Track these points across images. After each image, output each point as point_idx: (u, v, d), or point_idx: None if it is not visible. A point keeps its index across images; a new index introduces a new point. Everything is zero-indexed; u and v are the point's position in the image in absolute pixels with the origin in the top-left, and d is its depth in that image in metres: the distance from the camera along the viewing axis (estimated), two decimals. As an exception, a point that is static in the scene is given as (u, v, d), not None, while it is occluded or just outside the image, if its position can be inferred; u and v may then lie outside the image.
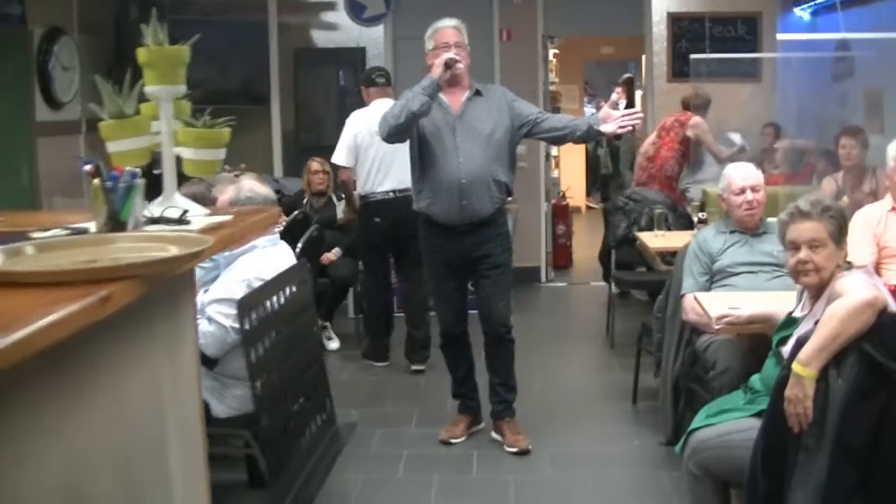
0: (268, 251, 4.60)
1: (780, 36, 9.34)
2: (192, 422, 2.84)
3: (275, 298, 3.45)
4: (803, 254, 3.81)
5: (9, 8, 7.74)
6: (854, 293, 3.47)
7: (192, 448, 2.82)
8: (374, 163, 7.23)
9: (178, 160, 3.03)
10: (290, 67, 10.46)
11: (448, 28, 5.60)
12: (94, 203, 2.49)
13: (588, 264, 11.10)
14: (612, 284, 8.18)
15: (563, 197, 12.04)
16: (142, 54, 2.97)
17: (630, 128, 5.58)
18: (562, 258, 11.27)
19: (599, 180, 16.90)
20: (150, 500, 2.42)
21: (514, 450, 5.65)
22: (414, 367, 7.37)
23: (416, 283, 7.33)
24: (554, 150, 12.61)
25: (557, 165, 13.89)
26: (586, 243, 12.09)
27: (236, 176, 5.53)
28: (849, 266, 3.90)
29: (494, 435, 5.82)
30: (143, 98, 3.05)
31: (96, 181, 2.48)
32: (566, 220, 11.42)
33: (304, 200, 8.08)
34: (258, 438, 4.62)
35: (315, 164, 8.25)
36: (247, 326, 3.32)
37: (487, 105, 5.62)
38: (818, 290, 3.83)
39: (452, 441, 5.77)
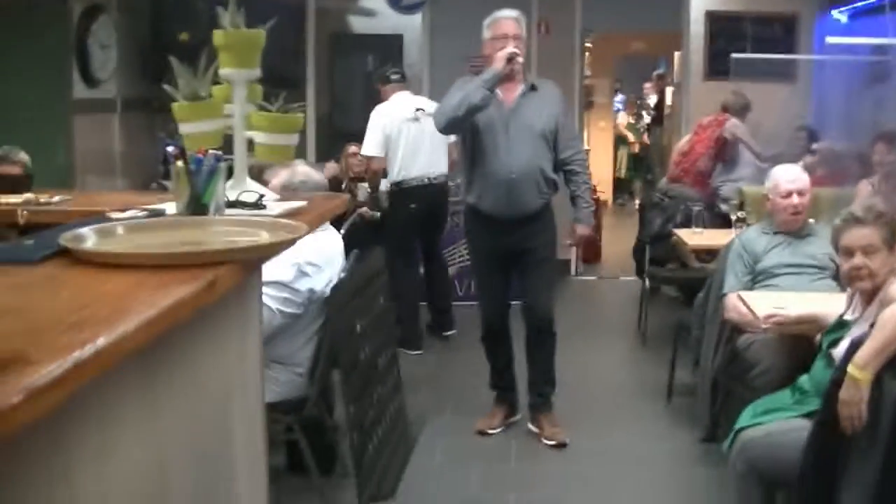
0: (318, 236, 4.60)
1: (829, 39, 9.30)
2: (256, 409, 2.84)
3: (363, 285, 3.46)
4: (858, 259, 3.83)
5: (49, -16, 7.76)
6: (910, 298, 3.48)
7: (254, 435, 2.82)
8: (405, 151, 7.49)
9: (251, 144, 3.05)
10: (327, 52, 10.46)
11: (508, 19, 5.55)
12: (176, 185, 2.51)
13: (616, 259, 11.12)
14: (646, 280, 8.17)
15: (594, 191, 12.02)
16: (218, 37, 2.98)
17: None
18: (591, 252, 11.26)
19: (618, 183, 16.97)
20: (218, 484, 2.43)
21: (552, 443, 5.65)
22: (445, 334, 7.68)
23: (439, 264, 7.83)
24: (586, 145, 12.59)
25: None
26: (614, 239, 12.09)
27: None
28: (901, 272, 3.92)
29: (531, 427, 5.83)
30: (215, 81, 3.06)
31: (180, 163, 2.49)
32: (596, 214, 11.38)
33: (343, 186, 8.09)
34: (303, 425, 4.67)
35: (353, 147, 8.30)
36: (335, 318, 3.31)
37: (541, 101, 5.61)
38: (871, 295, 3.84)
39: (490, 431, 5.78)
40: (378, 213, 7.86)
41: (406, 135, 7.50)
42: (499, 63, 5.34)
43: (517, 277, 5.83)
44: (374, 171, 7.72)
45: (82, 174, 8.18)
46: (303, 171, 4.83)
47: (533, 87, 5.62)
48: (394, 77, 7.86)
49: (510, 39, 5.45)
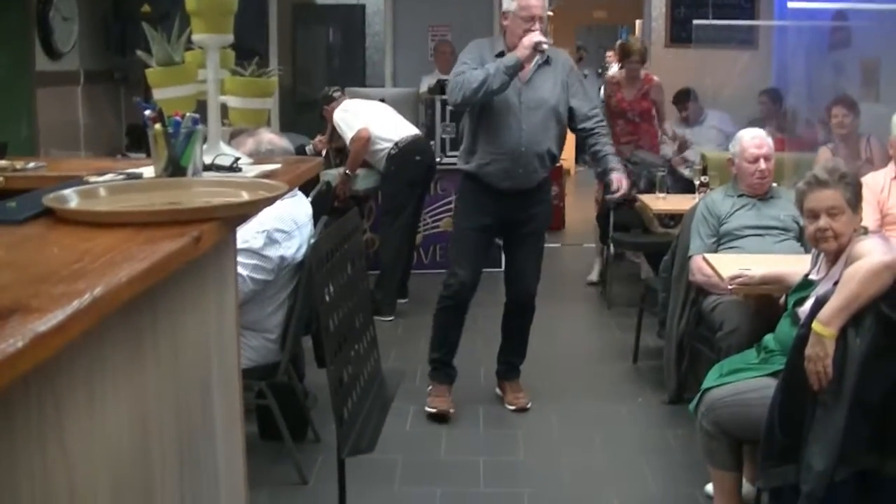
0: (286, 202, 4.62)
1: (790, 4, 9.36)
2: (232, 369, 2.87)
3: (336, 247, 3.47)
4: (822, 221, 3.89)
5: (10, -42, 7.72)
6: (873, 256, 3.54)
7: (231, 395, 2.85)
8: (386, 119, 7.78)
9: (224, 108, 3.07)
10: (289, 23, 10.45)
11: None
12: (154, 148, 2.53)
13: (579, 226, 11.20)
14: (611, 246, 8.23)
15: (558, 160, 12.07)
16: (190, 2, 2.97)
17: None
18: (555, 220, 11.30)
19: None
20: (197, 446, 2.46)
21: (512, 407, 5.74)
22: (401, 301, 7.91)
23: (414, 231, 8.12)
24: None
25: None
26: (577, 206, 12.16)
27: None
28: (864, 231, 4.00)
29: (497, 391, 5.92)
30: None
31: (158, 126, 2.51)
32: (559, 181, 11.46)
33: (324, 153, 8.14)
34: (275, 391, 4.71)
35: (319, 142, 8.36)
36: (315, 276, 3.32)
37: (553, 75, 5.50)
38: (836, 255, 3.91)
39: (451, 411, 5.63)
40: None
41: (379, 108, 7.87)
42: (524, 51, 5.19)
43: (507, 248, 5.84)
44: (365, 139, 7.64)
45: (46, 147, 8.14)
46: (268, 138, 4.84)
47: (547, 61, 5.48)
48: (335, 94, 8.11)
49: (535, 21, 5.26)
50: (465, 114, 5.66)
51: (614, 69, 16.71)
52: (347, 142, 7.72)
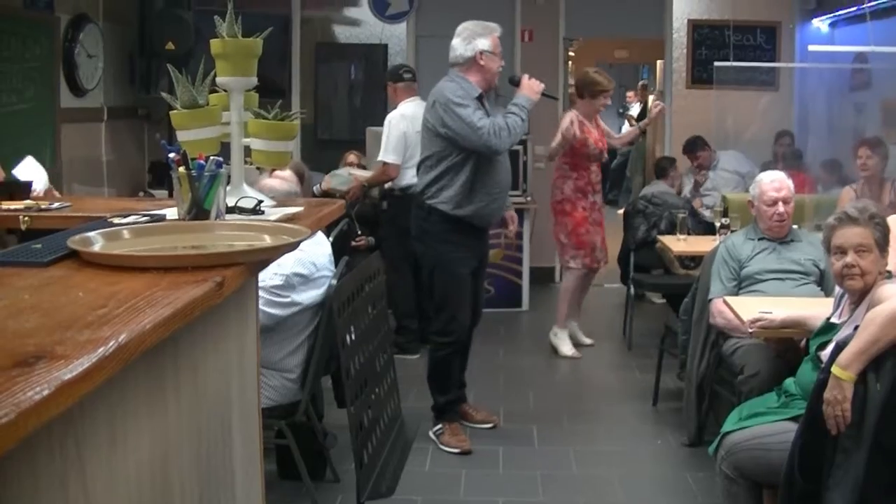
0: (304, 244, 4.62)
1: (811, 47, 9.38)
2: (253, 409, 2.88)
3: (357, 290, 3.49)
4: (850, 258, 3.89)
5: (38, -6, 7.79)
6: (895, 300, 3.54)
7: (251, 435, 2.86)
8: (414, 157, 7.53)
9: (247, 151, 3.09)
10: (311, 61, 10.52)
11: (499, 36, 5.75)
12: (178, 190, 2.55)
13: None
14: (631, 287, 8.22)
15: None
16: (216, 45, 3.02)
17: None
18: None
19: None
20: (217, 486, 2.46)
21: (488, 425, 6.01)
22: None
23: None
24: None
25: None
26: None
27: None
28: (889, 275, 3.98)
29: (465, 423, 6.02)
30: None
31: (182, 169, 2.53)
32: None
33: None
34: (294, 430, 4.72)
35: (352, 157, 8.35)
36: (336, 320, 3.33)
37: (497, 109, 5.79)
38: (860, 296, 3.90)
39: (471, 449, 5.68)
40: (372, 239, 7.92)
41: (416, 143, 7.38)
42: (537, 96, 5.66)
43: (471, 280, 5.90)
44: (390, 178, 7.57)
45: (69, 183, 8.19)
46: (268, 185, 4.82)
47: (496, 96, 5.97)
48: (406, 76, 7.76)
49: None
50: (450, 163, 5.64)
51: (636, 109, 16.82)
52: (381, 148, 7.51)
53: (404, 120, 7.48)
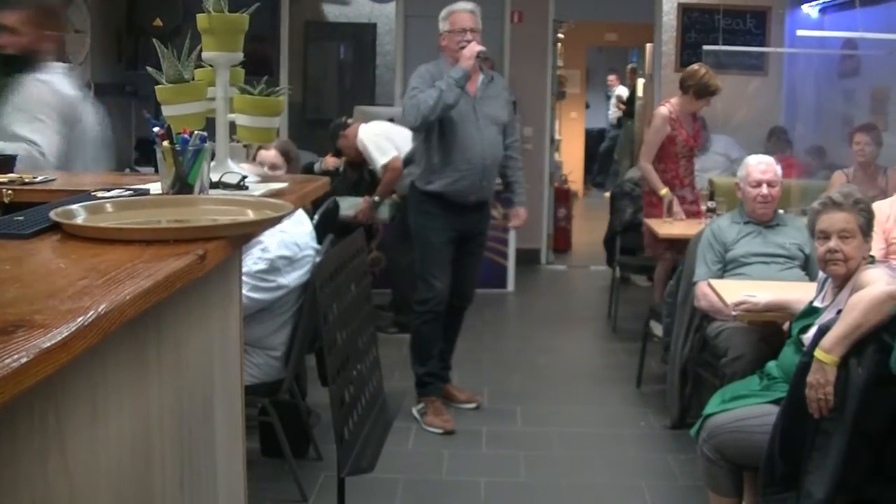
0: (285, 224, 4.61)
1: (800, 32, 9.38)
2: (236, 386, 2.87)
3: (340, 267, 3.48)
4: (833, 243, 3.91)
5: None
6: (878, 285, 3.55)
7: (234, 412, 2.86)
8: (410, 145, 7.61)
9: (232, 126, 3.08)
10: (301, 40, 10.49)
11: (465, 12, 5.67)
12: (162, 165, 2.54)
13: (587, 248, 11.21)
14: (617, 269, 8.24)
15: (566, 181, 12.15)
16: (202, 20, 2.99)
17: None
18: (562, 241, 11.35)
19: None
20: (199, 462, 2.46)
21: (472, 406, 6.04)
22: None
23: None
24: (557, 135, 12.68)
25: (559, 150, 13.96)
26: (585, 228, 12.19)
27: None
28: (872, 260, 4.00)
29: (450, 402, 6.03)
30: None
31: (166, 143, 2.52)
32: (567, 204, 11.49)
33: (340, 169, 8.10)
34: (277, 408, 4.72)
35: (330, 160, 8.33)
36: (319, 296, 3.33)
37: (496, 91, 5.86)
38: (843, 281, 3.92)
39: (453, 429, 5.70)
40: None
41: (404, 134, 7.48)
42: (468, 62, 5.50)
43: (458, 258, 5.91)
44: (399, 169, 7.57)
45: (55, 158, 8.15)
46: (262, 156, 4.84)
47: (492, 78, 5.86)
48: (349, 121, 7.99)
49: (468, 33, 5.59)
50: (421, 137, 5.79)
51: (622, 90, 16.81)
52: (378, 166, 7.63)
53: (374, 127, 7.80)
